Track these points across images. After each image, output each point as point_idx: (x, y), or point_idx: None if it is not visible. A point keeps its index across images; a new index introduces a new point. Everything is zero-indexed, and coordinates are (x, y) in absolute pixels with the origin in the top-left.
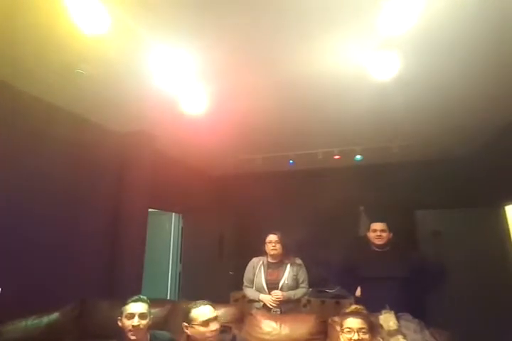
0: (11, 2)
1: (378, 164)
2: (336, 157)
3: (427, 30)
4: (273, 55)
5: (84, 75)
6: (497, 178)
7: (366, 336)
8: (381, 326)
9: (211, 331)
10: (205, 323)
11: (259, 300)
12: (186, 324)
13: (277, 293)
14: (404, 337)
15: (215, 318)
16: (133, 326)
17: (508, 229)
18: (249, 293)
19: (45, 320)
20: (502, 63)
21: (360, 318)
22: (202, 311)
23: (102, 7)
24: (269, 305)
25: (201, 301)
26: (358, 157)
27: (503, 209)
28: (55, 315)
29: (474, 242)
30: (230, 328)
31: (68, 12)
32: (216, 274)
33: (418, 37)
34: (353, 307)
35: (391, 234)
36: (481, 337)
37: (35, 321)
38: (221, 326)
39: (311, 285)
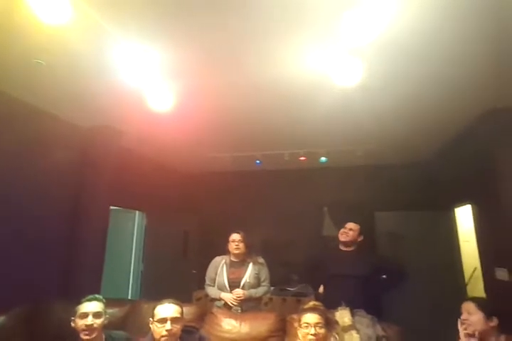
0: None
1: (342, 166)
2: (302, 158)
3: (392, 38)
4: (240, 55)
5: (43, 66)
6: (451, 182)
7: (322, 330)
8: (336, 322)
9: (166, 330)
10: (163, 320)
11: (220, 299)
12: (151, 319)
13: (238, 292)
14: (358, 331)
15: (176, 319)
16: (86, 325)
17: (457, 231)
18: (211, 291)
19: None
20: (462, 68)
21: (317, 314)
22: (163, 309)
23: None
24: (230, 304)
25: (168, 300)
26: (323, 159)
27: (454, 211)
28: (1, 319)
29: (428, 243)
30: (198, 329)
31: (28, 1)
32: (179, 273)
33: (383, 44)
34: (311, 303)
35: (361, 237)
36: (429, 332)
37: None
38: (187, 326)
39: (273, 283)
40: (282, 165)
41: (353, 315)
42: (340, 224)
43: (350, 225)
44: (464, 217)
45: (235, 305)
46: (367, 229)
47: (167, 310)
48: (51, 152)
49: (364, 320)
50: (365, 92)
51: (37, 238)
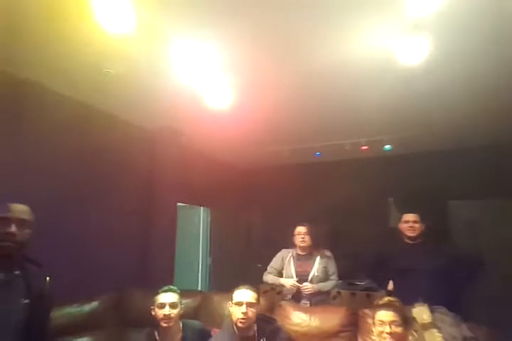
0: (42, 6)
1: (409, 153)
2: (364, 147)
3: (456, 10)
4: (297, 44)
5: (111, 74)
6: None
7: (399, 329)
8: (414, 319)
9: (242, 312)
10: (239, 304)
11: (280, 285)
12: (230, 302)
13: (307, 286)
14: (439, 330)
15: (252, 304)
16: (164, 315)
17: None
18: (269, 278)
19: (87, 308)
20: None
21: (393, 311)
22: (240, 293)
23: (127, 7)
24: (289, 288)
25: (245, 285)
26: (387, 147)
27: None
28: (95, 304)
29: (510, 233)
30: (275, 320)
31: (95, 12)
32: (245, 266)
33: (446, 19)
34: (386, 299)
35: (424, 226)
36: None
37: (78, 309)
38: (265, 316)
39: (340, 277)
40: (344, 156)
41: (432, 312)
42: (400, 217)
43: (413, 217)
44: None
45: (303, 297)
46: (439, 219)
47: (243, 294)
48: (122, 154)
49: (446, 318)
50: (430, 73)
51: (114, 234)
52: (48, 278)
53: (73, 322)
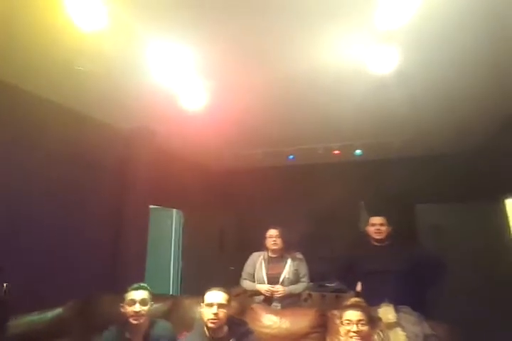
0: (13, 2)
1: (379, 159)
2: (336, 152)
3: (426, 22)
4: (271, 50)
5: (82, 72)
6: (498, 172)
7: (365, 328)
8: (380, 319)
9: (213, 313)
10: (210, 305)
11: (256, 291)
12: (202, 304)
13: (279, 289)
14: (403, 329)
15: (222, 305)
16: (134, 312)
17: (508, 223)
18: (247, 284)
19: (49, 315)
20: (505, 53)
21: (359, 310)
22: (211, 295)
23: (100, 3)
24: (265, 294)
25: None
26: (358, 152)
27: (503, 202)
28: (58, 310)
29: (475, 236)
30: (246, 323)
31: (66, 9)
32: (217, 269)
33: (417, 29)
34: (353, 300)
35: (390, 228)
36: (480, 330)
37: (40, 316)
38: (236, 319)
39: (311, 279)
40: (316, 160)
41: (397, 311)
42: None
43: (379, 220)
44: None
45: (274, 299)
46: (407, 222)
47: (214, 295)
48: (94, 154)
49: (410, 317)
50: (400, 80)
51: (84, 236)
52: (5, 285)
53: (35, 330)
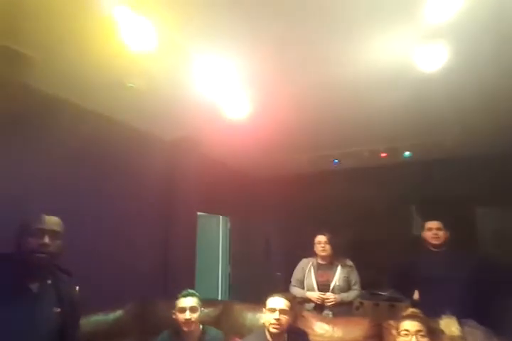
0: (71, 24)
1: (429, 160)
2: (383, 154)
3: (473, 16)
4: (313, 55)
5: (133, 88)
6: None
7: (425, 339)
8: (442, 331)
9: (275, 318)
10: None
11: (306, 298)
12: (264, 309)
13: (330, 297)
14: None
15: (284, 311)
16: (185, 319)
17: None
18: (296, 291)
19: (111, 316)
20: None
21: (418, 321)
22: (274, 300)
23: (149, 25)
24: (316, 301)
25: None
26: (407, 153)
27: None
28: (119, 312)
29: None
30: (305, 332)
31: (119, 32)
32: (265, 275)
33: (465, 24)
34: (410, 310)
35: (448, 233)
36: None
37: (103, 317)
38: (296, 328)
39: (363, 287)
40: (362, 163)
41: (461, 325)
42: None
43: (436, 224)
44: None
45: (325, 307)
46: (466, 227)
47: (277, 301)
48: (143, 164)
49: (476, 331)
50: (446, 80)
51: (137, 243)
52: (77, 287)
53: (99, 330)
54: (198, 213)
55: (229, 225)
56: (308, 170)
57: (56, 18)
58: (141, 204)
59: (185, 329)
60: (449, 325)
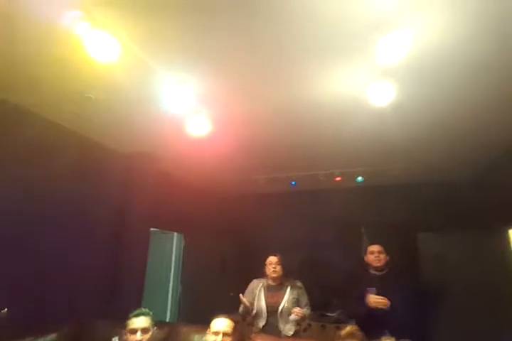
0: (31, 35)
1: (380, 186)
2: (338, 179)
3: (421, 59)
4: (275, 80)
5: (92, 99)
6: (501, 201)
7: None
8: None
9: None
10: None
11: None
12: (208, 330)
13: (297, 310)
14: None
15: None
16: None
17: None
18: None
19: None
20: (502, 88)
21: (356, 339)
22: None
23: (112, 38)
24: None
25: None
26: (359, 179)
27: (507, 232)
28: (51, 337)
29: (478, 266)
30: None
31: (82, 43)
32: (217, 295)
33: (413, 66)
34: (348, 328)
35: (388, 257)
36: None
37: None
38: None
39: (312, 308)
40: (318, 186)
41: None
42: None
43: (378, 248)
44: None
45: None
46: (409, 251)
47: (221, 323)
48: (96, 177)
49: None
50: (398, 112)
51: (83, 260)
52: (4, 310)
53: None
54: (152, 229)
55: (183, 243)
56: (266, 190)
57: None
58: (91, 217)
59: None
60: None
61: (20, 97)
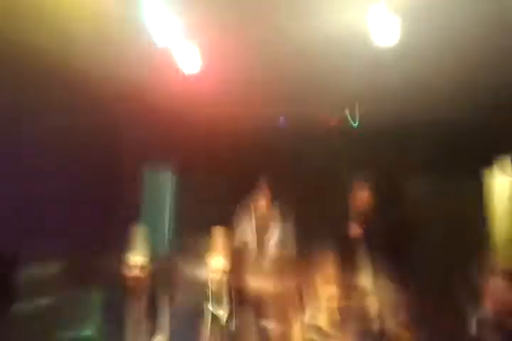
0: None
1: (375, 129)
2: (330, 119)
3: None
4: (269, 11)
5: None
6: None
7: None
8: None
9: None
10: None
11: None
12: None
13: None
14: None
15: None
16: (133, 276)
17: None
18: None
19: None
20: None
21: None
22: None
23: None
24: None
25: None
26: (352, 121)
27: (483, 173)
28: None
29: (454, 203)
30: None
31: None
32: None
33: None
34: None
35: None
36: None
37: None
38: None
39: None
40: (306, 125)
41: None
42: None
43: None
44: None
45: None
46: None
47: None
48: (87, 108)
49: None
50: (398, 51)
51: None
52: None
53: (34, 283)
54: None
55: (177, 181)
56: (253, 126)
57: None
58: (83, 150)
59: (132, 284)
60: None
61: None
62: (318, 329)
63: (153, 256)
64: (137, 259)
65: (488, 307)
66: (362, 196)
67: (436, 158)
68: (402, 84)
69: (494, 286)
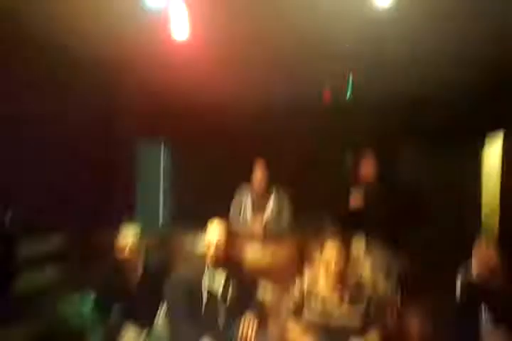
0: None
1: (368, 102)
2: (326, 93)
3: None
4: None
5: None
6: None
7: None
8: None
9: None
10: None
11: None
12: None
13: None
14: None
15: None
16: (127, 247)
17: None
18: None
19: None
20: None
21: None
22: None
23: None
24: None
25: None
26: (348, 93)
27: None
28: (59, 237)
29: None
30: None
31: None
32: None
33: None
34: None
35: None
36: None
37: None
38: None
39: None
40: (303, 100)
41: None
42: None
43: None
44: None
45: None
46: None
47: (214, 232)
48: (78, 85)
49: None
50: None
51: (75, 168)
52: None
53: (37, 253)
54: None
55: (171, 153)
56: (250, 99)
57: None
58: (76, 123)
59: (126, 256)
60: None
61: None
62: (316, 296)
63: (149, 231)
64: (132, 234)
65: (475, 271)
66: (364, 167)
67: (432, 130)
68: (401, 50)
69: (480, 251)
